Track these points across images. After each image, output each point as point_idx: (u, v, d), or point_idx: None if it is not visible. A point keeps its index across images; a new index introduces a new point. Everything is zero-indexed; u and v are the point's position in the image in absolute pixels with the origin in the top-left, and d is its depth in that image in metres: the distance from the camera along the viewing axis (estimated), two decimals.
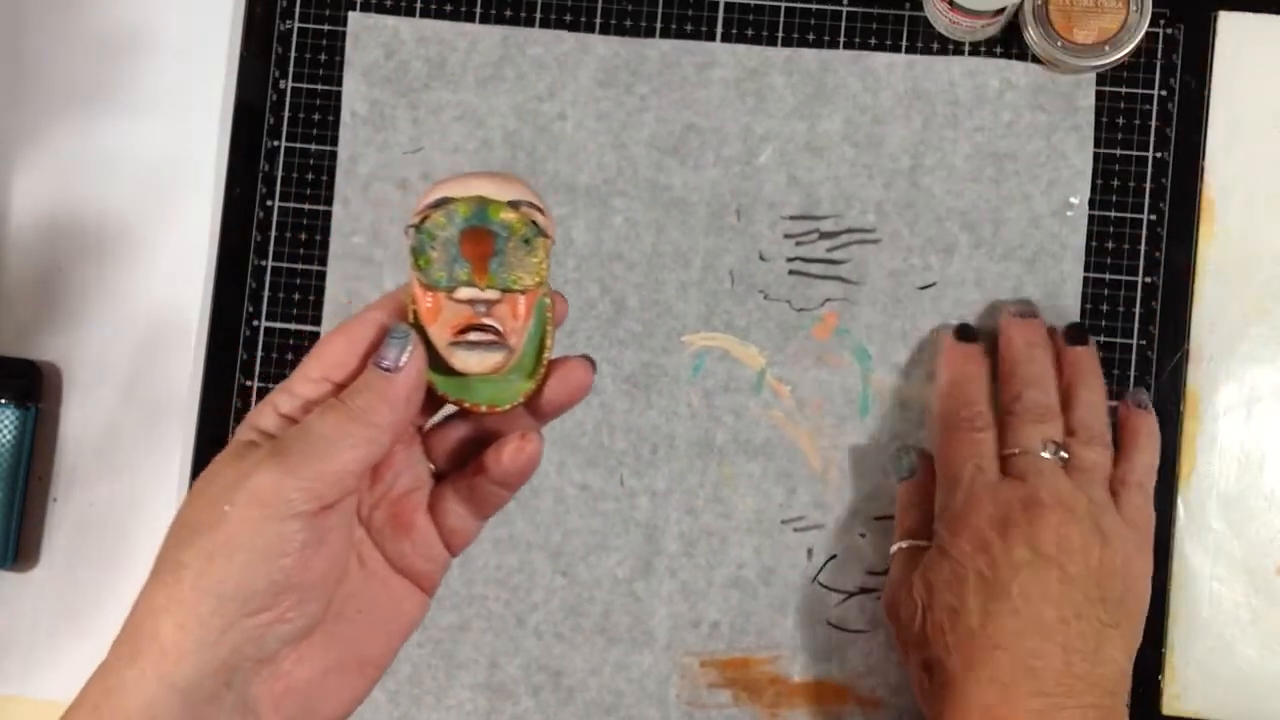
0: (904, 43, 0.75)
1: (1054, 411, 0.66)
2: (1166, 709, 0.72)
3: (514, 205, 0.49)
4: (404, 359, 0.48)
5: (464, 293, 0.47)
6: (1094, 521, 0.62)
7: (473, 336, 0.48)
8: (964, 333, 0.71)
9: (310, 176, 0.76)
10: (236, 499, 0.46)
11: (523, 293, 0.48)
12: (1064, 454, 0.65)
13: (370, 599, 0.51)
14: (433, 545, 0.53)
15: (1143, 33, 0.72)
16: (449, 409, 0.53)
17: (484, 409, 0.50)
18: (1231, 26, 0.74)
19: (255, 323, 0.76)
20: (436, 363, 0.49)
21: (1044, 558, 0.60)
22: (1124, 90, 0.74)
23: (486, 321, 0.48)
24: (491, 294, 0.48)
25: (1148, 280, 0.74)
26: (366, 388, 0.48)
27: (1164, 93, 0.74)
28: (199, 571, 0.45)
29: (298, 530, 0.46)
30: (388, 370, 0.48)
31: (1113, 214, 0.74)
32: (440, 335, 0.48)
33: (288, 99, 0.76)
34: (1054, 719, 0.59)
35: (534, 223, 0.49)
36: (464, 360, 0.48)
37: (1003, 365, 0.69)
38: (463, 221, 0.47)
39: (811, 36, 0.75)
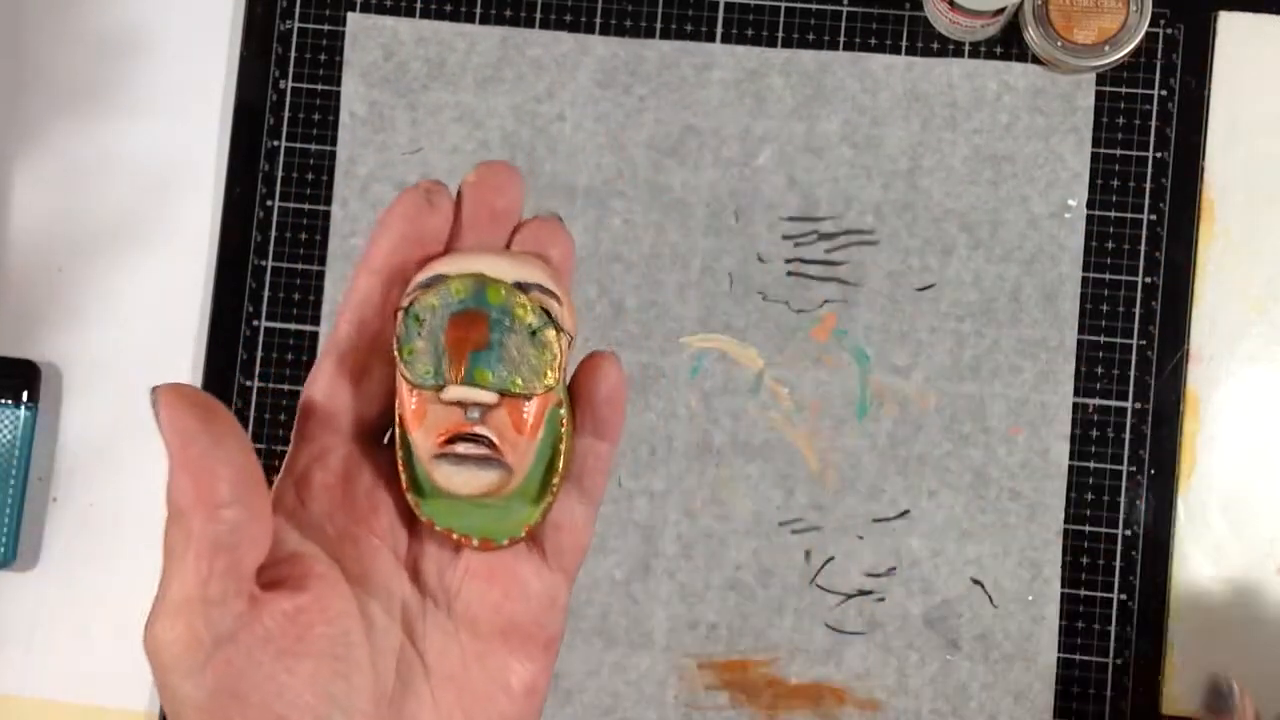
0: (904, 43, 0.75)
1: None
2: (1166, 709, 0.72)
3: (521, 288, 0.38)
4: (156, 409, 0.35)
5: (452, 392, 0.38)
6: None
7: (460, 448, 0.38)
8: None
9: (310, 177, 0.76)
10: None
11: (527, 398, 0.38)
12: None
13: (453, 676, 0.39)
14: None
15: (1143, 33, 0.72)
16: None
17: (475, 543, 0.39)
18: (1231, 26, 0.74)
19: (255, 323, 0.76)
20: (422, 480, 0.39)
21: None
22: (1124, 90, 0.74)
23: (479, 431, 0.38)
24: (487, 396, 0.38)
25: (1148, 280, 0.74)
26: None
27: (1164, 93, 0.74)
28: None
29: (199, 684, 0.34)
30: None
31: (1113, 214, 0.74)
32: (425, 444, 0.38)
33: (287, 99, 0.76)
34: None
35: (545, 311, 0.38)
36: (447, 477, 0.38)
37: None
38: (456, 304, 0.38)
39: (811, 37, 0.75)
